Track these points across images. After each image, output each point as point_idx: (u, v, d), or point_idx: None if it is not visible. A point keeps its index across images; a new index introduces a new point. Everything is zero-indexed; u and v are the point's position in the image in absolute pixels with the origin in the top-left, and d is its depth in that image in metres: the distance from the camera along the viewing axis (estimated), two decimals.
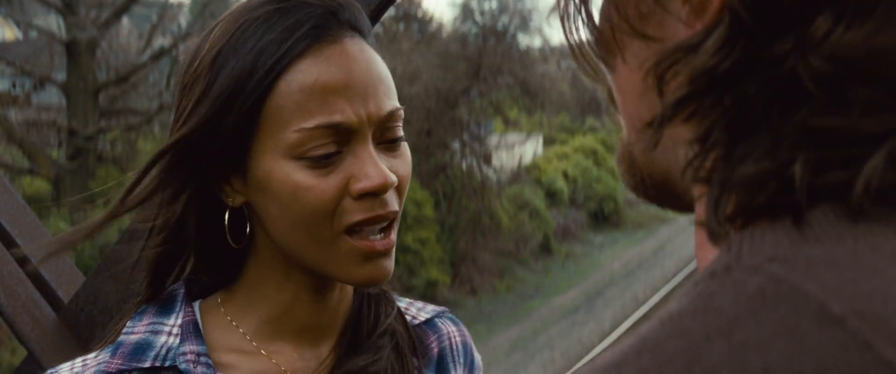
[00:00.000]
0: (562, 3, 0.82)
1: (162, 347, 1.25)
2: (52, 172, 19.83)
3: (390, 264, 1.23)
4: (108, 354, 1.25)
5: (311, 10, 1.20)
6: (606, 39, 0.80)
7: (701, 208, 0.74)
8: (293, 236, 1.21)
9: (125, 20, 23.13)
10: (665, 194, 0.81)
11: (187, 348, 1.25)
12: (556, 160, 28.49)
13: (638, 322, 18.61)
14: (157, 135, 21.72)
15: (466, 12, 27.89)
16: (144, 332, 1.27)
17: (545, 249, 25.25)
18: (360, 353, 1.31)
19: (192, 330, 1.27)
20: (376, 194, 1.19)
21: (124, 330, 1.28)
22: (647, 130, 0.76)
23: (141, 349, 1.25)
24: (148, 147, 20.90)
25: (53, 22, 21.43)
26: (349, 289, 1.34)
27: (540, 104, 28.00)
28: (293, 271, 1.26)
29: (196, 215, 1.24)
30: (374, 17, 1.83)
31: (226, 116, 1.17)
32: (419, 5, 26.29)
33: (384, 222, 1.22)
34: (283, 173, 1.18)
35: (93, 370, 1.24)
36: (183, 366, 1.23)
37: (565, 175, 27.95)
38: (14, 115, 21.09)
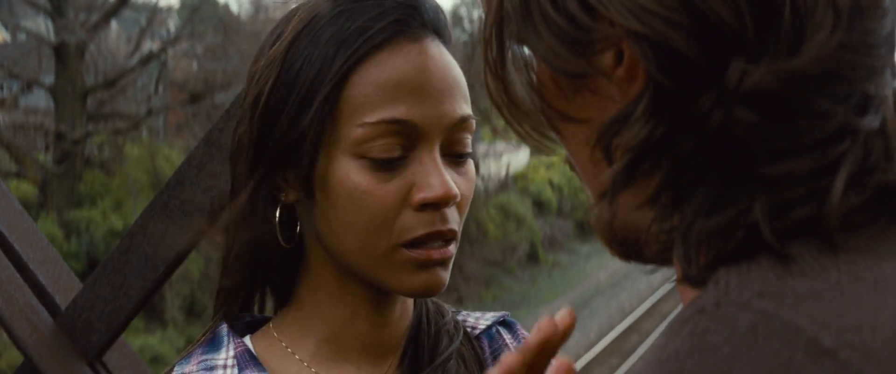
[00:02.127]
0: (495, 92, 0.83)
1: None
2: (39, 175, 19.78)
3: (446, 275, 1.15)
4: None
5: (395, 4, 1.15)
6: (538, 126, 0.82)
7: (676, 263, 0.75)
8: (346, 242, 1.13)
9: (114, 24, 23.11)
10: (643, 253, 0.81)
11: None
12: (543, 169, 28.49)
13: (624, 333, 18.62)
14: (144, 139, 21.69)
15: (455, 20, 27.95)
16: (197, 371, 1.19)
17: (532, 258, 25.26)
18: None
19: (249, 359, 1.20)
20: (438, 206, 1.12)
21: (176, 369, 1.20)
22: (602, 204, 0.77)
23: None
24: (135, 152, 20.88)
25: (42, 24, 21.38)
26: (409, 304, 1.25)
27: None
28: (349, 283, 1.19)
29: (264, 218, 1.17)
30: None
31: (299, 104, 1.12)
32: None
33: (442, 240, 1.14)
34: (343, 172, 1.11)
35: None
36: None
37: (552, 184, 27.96)
38: (1, 117, 21.03)
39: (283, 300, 1.26)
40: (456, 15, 27.56)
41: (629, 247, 0.82)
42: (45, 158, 20.59)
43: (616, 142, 0.73)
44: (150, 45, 22.65)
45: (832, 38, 0.68)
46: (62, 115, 19.97)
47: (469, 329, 1.32)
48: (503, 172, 27.26)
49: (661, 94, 0.70)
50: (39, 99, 22.21)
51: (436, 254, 1.13)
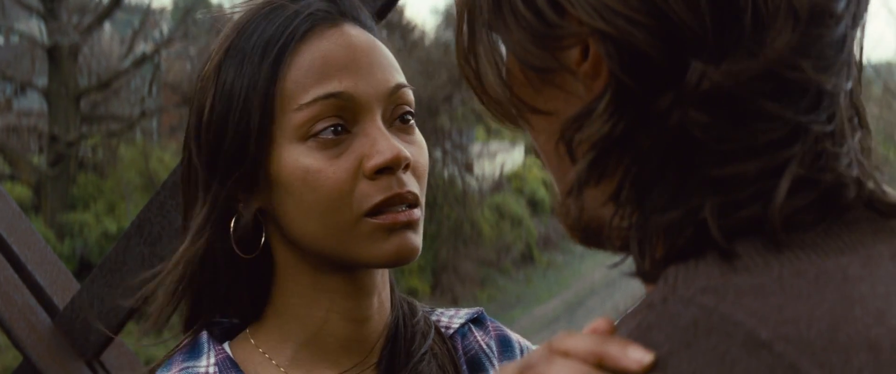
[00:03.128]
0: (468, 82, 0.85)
1: None
2: (33, 178, 19.75)
3: (417, 239, 1.16)
4: None
5: (310, 2, 1.18)
6: (509, 114, 0.84)
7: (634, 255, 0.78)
8: (311, 227, 1.14)
9: (107, 26, 23.07)
10: (604, 240, 0.83)
11: None
12: (537, 169, 28.46)
13: None
14: (138, 141, 21.66)
15: (449, 20, 27.86)
16: None
17: (527, 258, 25.24)
18: None
19: (231, 366, 1.20)
20: (391, 169, 1.12)
21: None
22: (568, 200, 0.79)
23: None
24: (129, 154, 20.85)
25: (35, 27, 21.35)
26: (386, 299, 1.25)
27: None
28: (322, 280, 1.19)
29: (222, 232, 1.18)
30: (379, 17, 1.84)
31: (239, 113, 1.13)
32: (402, 13, 26.29)
33: (404, 203, 1.14)
34: (292, 159, 1.13)
35: None
36: None
37: (546, 184, 27.94)
38: None
39: (257, 310, 1.25)
40: (450, 15, 27.49)
41: (592, 236, 0.84)
42: (39, 160, 20.56)
43: (578, 137, 0.75)
44: (143, 47, 22.61)
45: (789, 43, 0.70)
46: (56, 117, 19.95)
47: (443, 329, 1.33)
48: (498, 172, 27.24)
49: (623, 92, 0.72)
50: (33, 101, 22.18)
51: (401, 216, 1.14)
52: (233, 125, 1.14)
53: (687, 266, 0.71)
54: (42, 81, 20.75)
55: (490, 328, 1.37)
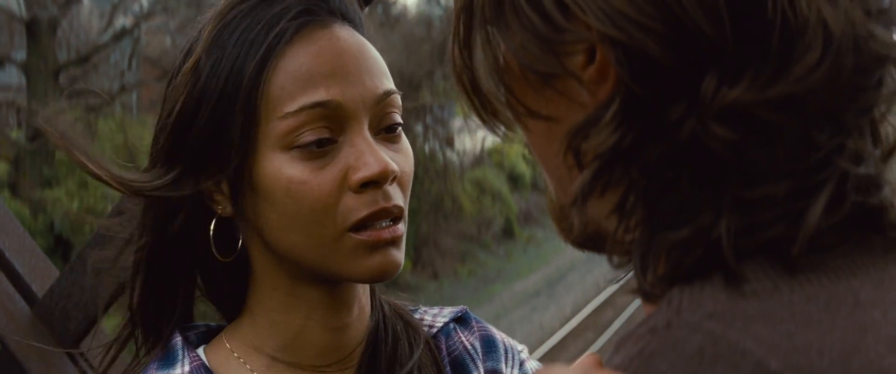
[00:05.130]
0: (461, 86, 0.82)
1: None
2: (12, 153, 19.64)
3: (400, 255, 1.13)
4: None
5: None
6: (500, 115, 0.81)
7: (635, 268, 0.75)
8: (292, 238, 1.11)
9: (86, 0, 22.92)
10: (602, 245, 0.81)
11: None
12: (518, 144, 28.49)
13: (599, 308, 18.69)
14: (117, 116, 21.56)
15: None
16: None
17: (507, 233, 25.28)
18: None
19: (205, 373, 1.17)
20: (378, 183, 1.10)
21: None
22: (572, 210, 0.76)
23: None
24: (108, 128, 20.77)
25: (13, 0, 21.19)
26: (366, 306, 1.23)
27: None
28: (300, 287, 1.16)
29: (192, 232, 1.15)
30: (365, 2, 1.81)
31: (219, 112, 1.09)
32: None
33: (389, 217, 1.12)
34: (274, 168, 1.09)
35: None
36: None
37: (526, 159, 27.97)
38: None
39: (232, 314, 1.23)
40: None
41: (587, 236, 0.81)
42: (18, 135, 20.44)
43: (584, 146, 0.72)
44: (122, 21, 22.46)
45: (822, 63, 0.67)
46: (34, 92, 19.81)
47: (426, 328, 1.30)
48: (478, 147, 27.25)
49: (632, 100, 0.70)
50: (11, 76, 22.02)
51: (385, 233, 1.12)
52: (211, 126, 1.10)
53: (692, 289, 0.68)
54: (20, 55, 20.60)
55: (475, 328, 1.34)
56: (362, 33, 1.18)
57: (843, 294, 0.67)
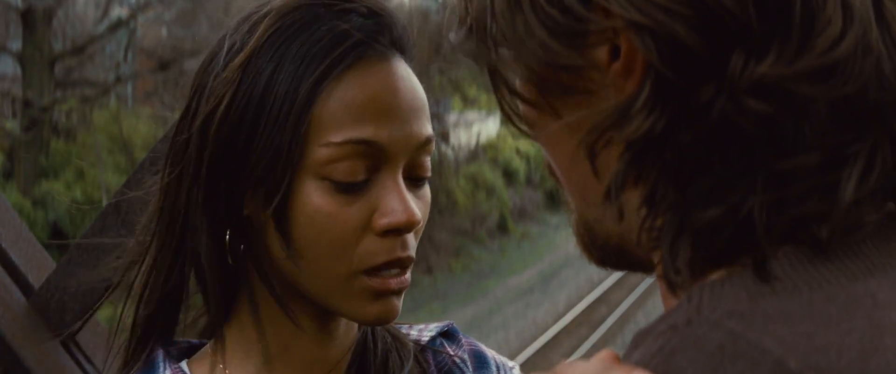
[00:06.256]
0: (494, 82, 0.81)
1: None
2: (7, 143, 19.60)
3: (400, 304, 1.13)
4: None
5: (362, 21, 1.11)
6: (533, 113, 0.81)
7: (659, 261, 0.75)
8: (303, 264, 1.09)
9: None
10: (625, 259, 0.82)
11: None
12: (512, 139, 28.45)
13: (593, 304, 18.68)
14: (112, 107, 21.51)
15: None
16: None
17: (501, 228, 25.24)
18: None
19: None
20: (400, 231, 1.09)
21: None
22: (605, 204, 0.76)
23: None
24: (103, 119, 20.71)
25: None
26: (354, 323, 1.22)
27: None
28: (295, 303, 1.15)
29: (206, 228, 1.12)
30: None
31: (270, 123, 1.07)
32: None
33: (401, 267, 1.11)
34: (305, 193, 1.07)
35: None
36: None
37: (520, 154, 27.94)
38: None
39: (220, 320, 1.20)
40: None
41: (610, 251, 0.82)
42: (13, 125, 20.39)
43: (609, 136, 0.73)
44: (118, 12, 22.40)
45: (846, 36, 0.68)
46: (30, 81, 19.75)
47: (413, 343, 1.29)
48: (473, 142, 27.22)
49: (663, 86, 0.70)
50: (6, 65, 21.95)
51: (393, 283, 1.11)
52: (264, 134, 1.08)
53: (712, 286, 0.69)
54: (16, 45, 20.54)
55: (463, 343, 1.34)
56: (413, 66, 1.16)
57: (861, 295, 0.68)
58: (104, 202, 2.21)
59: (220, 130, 1.09)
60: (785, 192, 0.69)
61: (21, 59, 20.11)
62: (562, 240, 24.86)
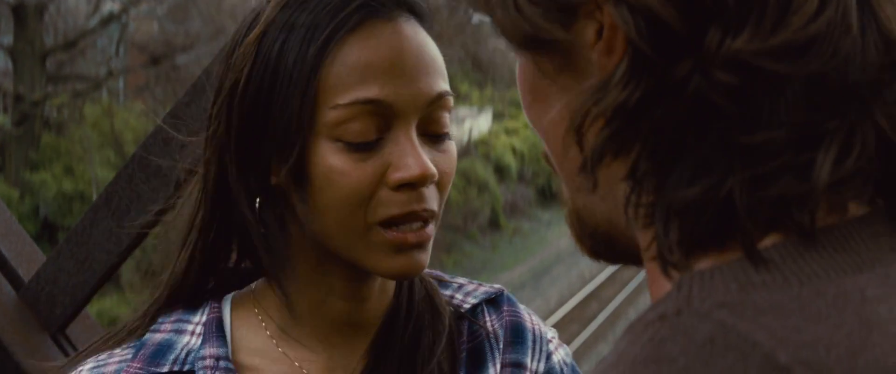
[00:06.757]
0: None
1: (182, 349, 1.19)
2: None
3: (424, 257, 1.15)
4: (131, 352, 1.19)
5: None
6: (532, 95, 0.81)
7: (649, 243, 0.75)
8: (324, 224, 1.13)
9: None
10: (614, 247, 0.82)
11: (207, 351, 1.19)
12: (505, 135, 28.48)
13: (584, 300, 18.71)
14: (104, 101, 21.48)
15: None
16: (170, 330, 1.21)
17: (493, 224, 25.26)
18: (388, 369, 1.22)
19: (215, 330, 1.20)
20: (414, 186, 1.11)
21: (154, 325, 1.22)
22: (581, 176, 0.76)
23: (161, 351, 1.19)
24: (95, 113, 20.69)
25: None
26: (389, 285, 1.25)
27: (491, 79, 27.96)
28: (324, 265, 1.19)
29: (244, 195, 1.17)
30: None
31: (282, 91, 1.11)
32: None
33: (419, 220, 1.13)
34: (319, 154, 1.11)
35: (114, 367, 1.18)
36: (201, 373, 1.17)
37: (513, 150, 27.96)
38: None
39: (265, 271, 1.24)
40: None
41: (600, 238, 0.82)
42: (4, 119, 20.37)
43: (593, 111, 0.73)
44: (110, 6, 22.36)
45: (822, 14, 0.68)
46: (21, 76, 19.73)
47: (454, 308, 1.30)
48: (465, 138, 27.24)
49: (640, 60, 0.70)
50: None
51: (411, 237, 1.13)
52: (277, 104, 1.12)
53: (702, 277, 0.69)
54: (7, 39, 20.51)
55: (504, 312, 1.34)
56: (427, 27, 1.19)
57: (850, 290, 0.67)
58: (94, 196, 2.21)
59: (243, 102, 1.14)
60: (759, 169, 0.68)
61: (12, 53, 20.08)
62: (553, 236, 24.89)
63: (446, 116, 1.17)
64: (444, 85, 1.16)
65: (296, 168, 1.12)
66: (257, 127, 1.14)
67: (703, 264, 0.71)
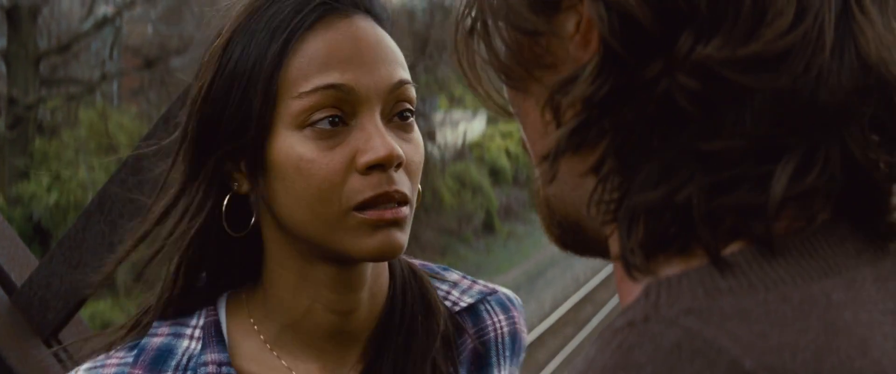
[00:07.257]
0: (461, 56, 0.81)
1: (183, 355, 1.20)
2: None
3: (402, 237, 1.17)
4: (131, 357, 1.20)
5: None
6: (510, 83, 0.81)
7: (614, 242, 0.75)
8: (299, 215, 1.15)
9: None
10: (582, 238, 0.82)
11: (209, 356, 1.20)
12: (499, 138, 28.51)
13: (578, 303, 18.73)
14: (98, 105, 21.47)
15: None
16: (168, 334, 1.22)
17: (488, 227, 25.28)
18: None
19: (215, 334, 1.22)
20: (383, 167, 1.13)
21: (151, 329, 1.22)
22: (543, 165, 0.76)
23: (162, 357, 1.20)
24: (89, 117, 20.68)
25: None
26: (381, 289, 1.26)
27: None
28: (308, 268, 1.20)
29: (209, 208, 1.19)
30: None
31: (241, 92, 1.14)
32: None
33: (392, 201, 1.15)
34: (287, 145, 1.14)
35: (112, 370, 1.19)
36: None
37: (508, 153, 27.99)
38: None
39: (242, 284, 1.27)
40: None
41: (567, 228, 0.82)
42: None
43: (564, 102, 0.73)
44: (104, 10, 22.36)
45: (794, 30, 0.68)
46: (15, 79, 19.70)
47: (449, 304, 1.32)
48: (459, 141, 27.25)
49: (611, 56, 0.70)
50: None
51: (387, 214, 1.15)
52: (234, 105, 1.15)
53: (670, 283, 0.69)
54: (1, 42, 20.50)
55: (514, 316, 1.38)
56: (385, 26, 1.23)
57: (816, 295, 0.68)
58: (87, 200, 2.21)
59: (204, 107, 1.18)
60: (717, 177, 0.68)
61: (6, 56, 20.05)
62: (548, 240, 24.90)
63: (408, 106, 1.20)
64: (404, 74, 1.19)
65: (258, 163, 1.16)
66: (223, 130, 1.17)
67: (671, 269, 0.71)
